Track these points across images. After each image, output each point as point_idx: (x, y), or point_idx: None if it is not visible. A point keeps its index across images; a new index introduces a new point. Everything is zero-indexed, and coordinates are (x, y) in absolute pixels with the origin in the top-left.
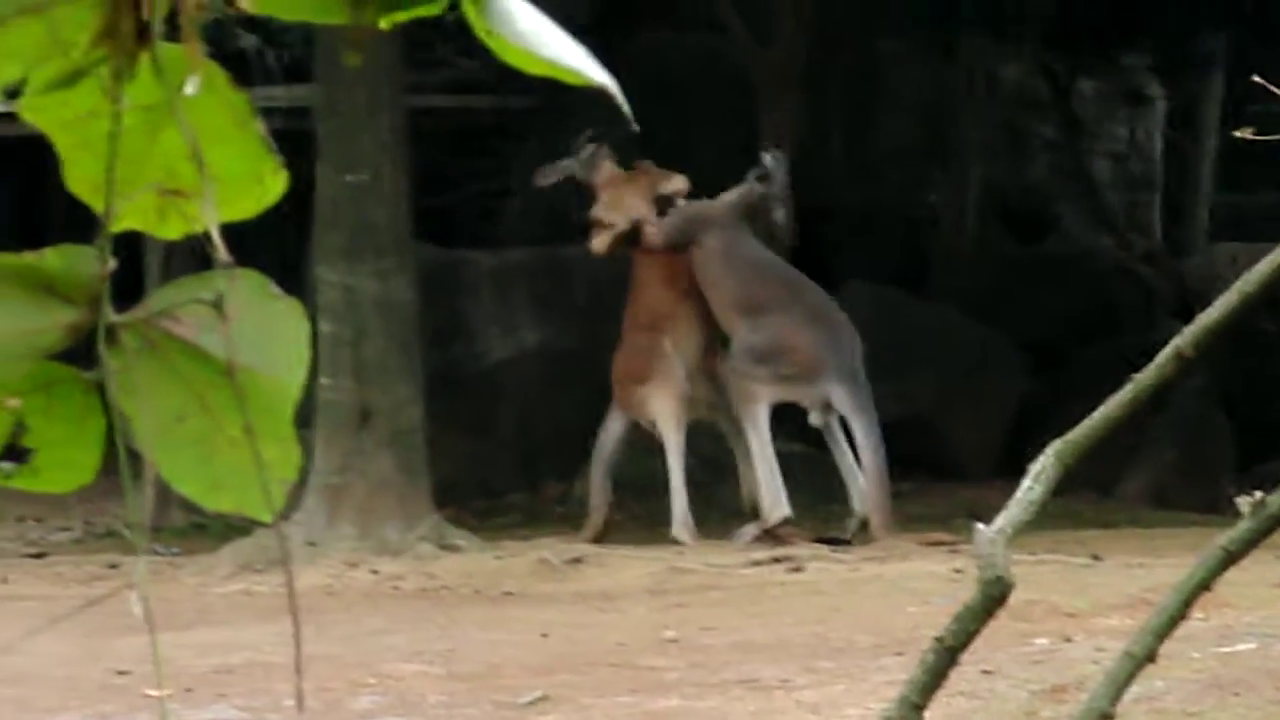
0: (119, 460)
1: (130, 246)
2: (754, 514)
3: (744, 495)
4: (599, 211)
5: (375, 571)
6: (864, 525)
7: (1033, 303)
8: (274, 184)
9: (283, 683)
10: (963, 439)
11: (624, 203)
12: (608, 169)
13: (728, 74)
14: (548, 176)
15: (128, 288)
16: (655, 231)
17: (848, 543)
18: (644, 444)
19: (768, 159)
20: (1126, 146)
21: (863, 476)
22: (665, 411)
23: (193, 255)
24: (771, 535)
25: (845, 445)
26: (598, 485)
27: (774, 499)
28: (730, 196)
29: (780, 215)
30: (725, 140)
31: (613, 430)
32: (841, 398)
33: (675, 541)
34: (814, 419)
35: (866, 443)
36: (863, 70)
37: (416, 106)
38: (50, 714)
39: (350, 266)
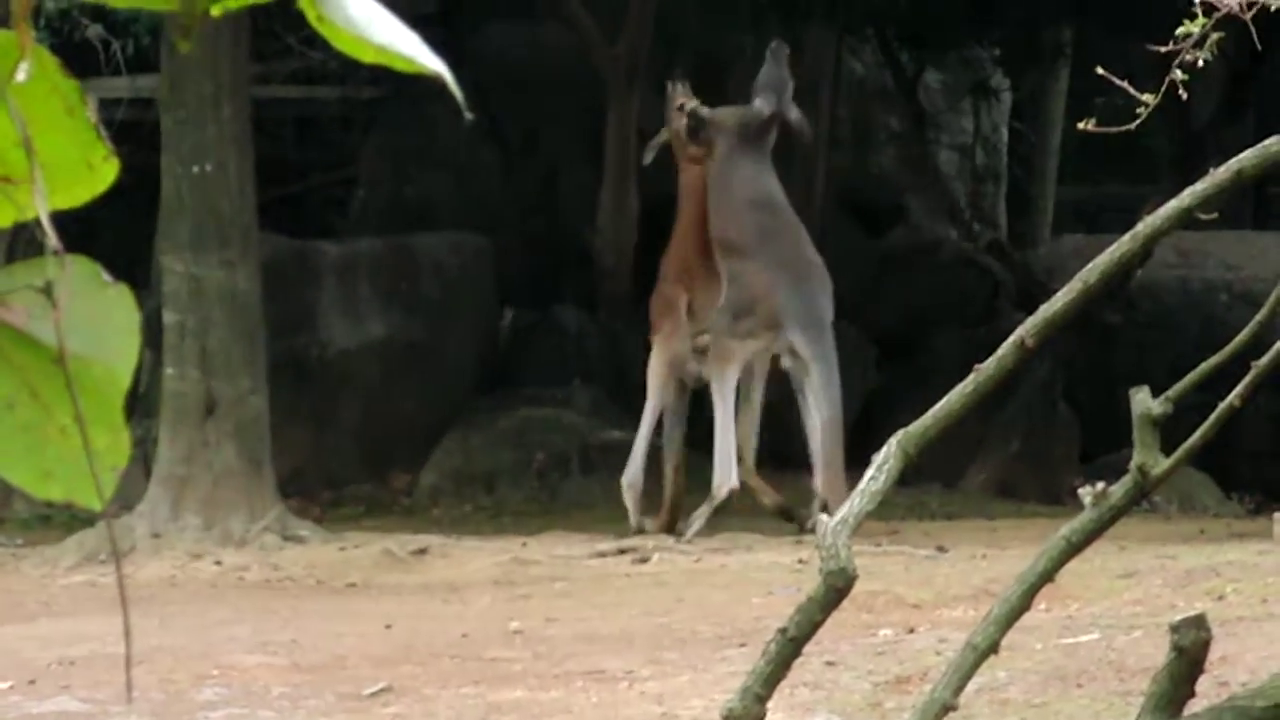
0: None
1: None
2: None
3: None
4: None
5: (219, 562)
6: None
7: (879, 293)
8: (106, 171)
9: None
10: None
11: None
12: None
13: (577, 68)
14: (648, 154)
15: None
16: (678, 116)
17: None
18: (486, 435)
19: (768, 53)
20: (972, 138)
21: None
22: (652, 368)
23: (36, 245)
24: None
25: (811, 404)
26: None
27: (724, 471)
28: (737, 111)
29: (795, 115)
30: (574, 134)
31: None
32: (802, 345)
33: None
34: (784, 363)
35: (822, 393)
36: (709, 64)
37: (261, 97)
38: None
39: (195, 256)
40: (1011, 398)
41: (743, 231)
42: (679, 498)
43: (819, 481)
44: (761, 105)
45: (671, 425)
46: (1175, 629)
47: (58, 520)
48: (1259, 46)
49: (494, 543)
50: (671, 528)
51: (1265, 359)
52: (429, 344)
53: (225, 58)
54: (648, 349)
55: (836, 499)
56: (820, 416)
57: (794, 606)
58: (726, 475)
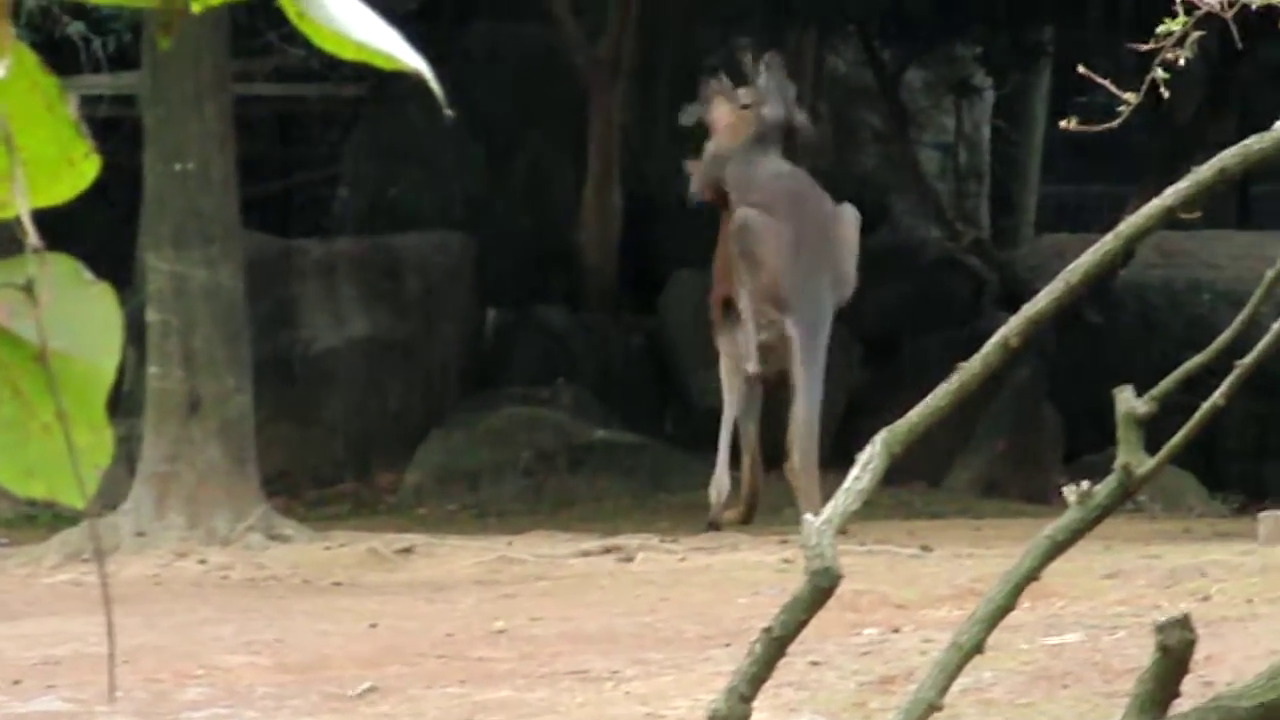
0: None
1: None
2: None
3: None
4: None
5: (203, 561)
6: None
7: (863, 293)
8: (87, 168)
9: None
10: None
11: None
12: (721, 107)
13: (560, 67)
14: (686, 116)
15: None
16: (695, 179)
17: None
18: (471, 434)
19: (761, 64)
20: (954, 137)
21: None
22: (722, 373)
23: (12, 242)
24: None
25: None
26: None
27: (718, 473)
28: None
29: (801, 120)
30: (557, 132)
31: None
32: (796, 340)
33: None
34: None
35: (801, 392)
36: (690, 63)
37: (244, 95)
38: None
39: (178, 254)
40: (996, 397)
41: (773, 196)
42: (756, 491)
43: (795, 462)
44: (771, 111)
45: (745, 420)
46: (1160, 629)
47: (42, 519)
48: (1240, 45)
49: (479, 542)
50: (749, 519)
51: (1249, 358)
52: (413, 343)
53: (206, 55)
54: (714, 352)
55: (809, 500)
56: (795, 412)
57: (779, 606)
58: (719, 477)
